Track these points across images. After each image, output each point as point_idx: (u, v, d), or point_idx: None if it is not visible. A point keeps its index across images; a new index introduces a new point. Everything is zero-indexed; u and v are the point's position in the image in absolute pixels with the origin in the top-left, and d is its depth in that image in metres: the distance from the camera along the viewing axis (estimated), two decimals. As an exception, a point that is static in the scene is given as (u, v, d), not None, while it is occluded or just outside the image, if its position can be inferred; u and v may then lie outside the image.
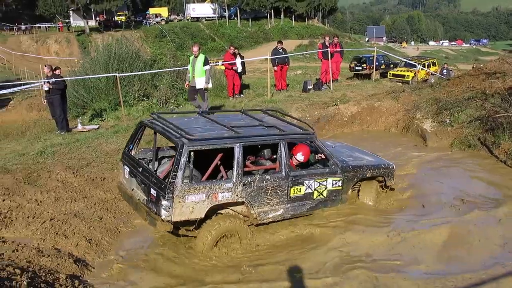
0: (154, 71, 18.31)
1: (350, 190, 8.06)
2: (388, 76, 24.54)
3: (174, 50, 23.07)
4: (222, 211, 6.97)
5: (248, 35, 69.18)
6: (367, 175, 8.12)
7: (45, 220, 7.31)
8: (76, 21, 63.53)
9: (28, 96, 24.82)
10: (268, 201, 7.05)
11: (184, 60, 21.22)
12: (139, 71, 17.39)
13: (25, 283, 5.28)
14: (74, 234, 7.05)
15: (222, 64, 18.97)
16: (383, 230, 7.32)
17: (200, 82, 12.89)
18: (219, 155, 6.64)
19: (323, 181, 7.56)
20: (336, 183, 7.71)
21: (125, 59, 18.02)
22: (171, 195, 6.18)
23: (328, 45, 19.12)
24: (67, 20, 64.10)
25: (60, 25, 61.94)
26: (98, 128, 13.89)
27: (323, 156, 7.85)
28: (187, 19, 73.27)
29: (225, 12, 72.18)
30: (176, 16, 77.48)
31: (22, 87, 22.64)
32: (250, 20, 73.00)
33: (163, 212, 6.21)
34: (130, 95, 16.90)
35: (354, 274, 6.12)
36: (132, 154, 7.39)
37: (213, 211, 6.73)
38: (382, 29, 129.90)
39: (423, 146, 12.12)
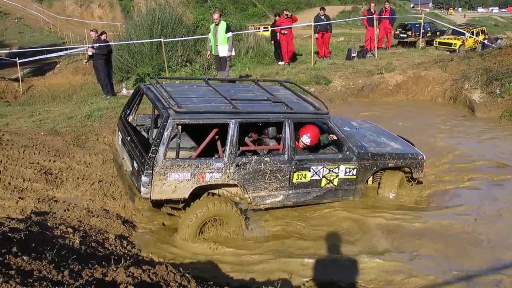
0: (197, 37, 18.29)
1: (369, 180, 7.46)
2: (434, 44, 23.78)
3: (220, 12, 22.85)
4: (216, 192, 6.40)
5: (289, 1, 68.05)
6: (389, 164, 7.29)
7: (94, 182, 7.50)
8: (119, -15, 63.74)
9: (73, 60, 25.28)
10: (266, 186, 6.38)
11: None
12: (182, 37, 17.44)
13: (77, 241, 5.47)
14: (121, 196, 7.23)
15: (265, 30, 18.81)
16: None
17: (223, 50, 12.54)
18: (214, 131, 6.08)
19: (334, 168, 6.78)
20: (350, 172, 6.91)
21: (168, 24, 18.10)
22: (150, 171, 5.68)
23: (373, 12, 18.67)
24: (110, -16, 64.41)
25: (103, -11, 62.30)
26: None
27: (335, 138, 7.01)
28: (229, -17, 72.50)
29: (267, -24, 71.03)
30: (217, -19, 76.70)
31: (68, 51, 23.11)
32: (292, -15, 71.69)
33: (142, 188, 5.72)
34: (173, 60, 17.00)
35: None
36: (130, 119, 7.10)
37: (204, 192, 6.28)
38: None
39: (472, 117, 11.81)
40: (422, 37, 23.25)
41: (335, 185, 6.91)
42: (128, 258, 5.19)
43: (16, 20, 44.35)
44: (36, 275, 3.75)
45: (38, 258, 4.19)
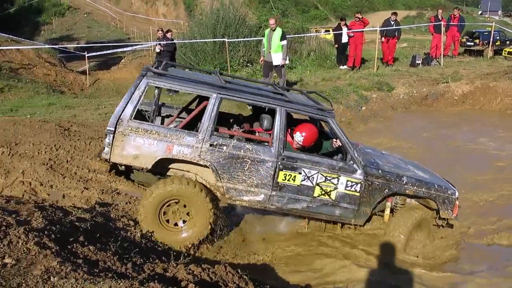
0: (260, 38, 18.34)
1: (386, 216, 6.36)
2: (503, 54, 22.84)
3: (280, 16, 22.85)
4: (186, 171, 5.81)
5: (352, 4, 67.08)
6: (407, 191, 6.16)
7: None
8: (184, -16, 64.85)
9: (138, 56, 25.92)
10: (244, 178, 5.68)
11: (288, 28, 21.11)
12: (244, 37, 17.56)
13: (138, 234, 5.58)
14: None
15: (327, 33, 18.65)
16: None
17: (276, 58, 12.10)
18: (202, 104, 5.72)
19: (333, 178, 5.87)
20: (352, 186, 5.94)
21: (231, 24, 18.24)
22: (113, 129, 5.33)
23: (441, 19, 18.15)
24: (175, -17, 65.62)
25: (169, -13, 63.56)
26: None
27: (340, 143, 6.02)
28: (292, -14, 72.39)
29: (331, -21, 70.43)
30: (281, -18, 76.68)
31: (134, 47, 23.73)
32: (356, -12, 70.70)
33: (105, 148, 5.41)
34: (235, 60, 17.13)
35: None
36: None
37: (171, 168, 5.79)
38: (498, 2, 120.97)
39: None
40: (490, 46, 22.41)
41: (331, 199, 5.95)
42: (185, 255, 5.26)
43: (85, 15, 45.99)
44: (101, 265, 3.85)
45: (103, 249, 4.30)
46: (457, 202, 6.40)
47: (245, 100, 5.78)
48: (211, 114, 5.49)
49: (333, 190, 5.91)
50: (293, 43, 19.60)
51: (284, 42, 12.08)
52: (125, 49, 23.17)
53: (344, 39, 16.97)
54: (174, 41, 14.74)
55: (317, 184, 5.84)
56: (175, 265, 4.43)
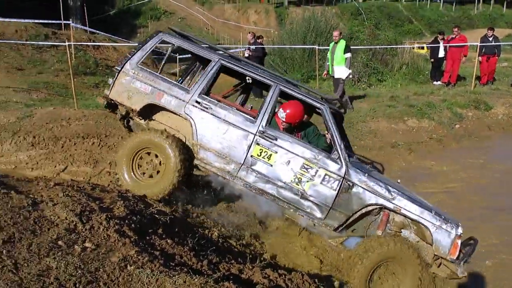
0: (351, 47, 18.00)
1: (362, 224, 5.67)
2: None
3: (372, 27, 22.34)
4: (165, 122, 5.96)
5: (449, 20, 64.67)
6: (393, 206, 5.40)
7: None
8: (277, -6, 65.46)
9: (227, 61, 26.32)
10: (220, 142, 5.60)
11: (380, 40, 20.60)
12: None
13: (216, 233, 5.53)
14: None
15: (420, 48, 17.94)
16: None
17: (338, 71, 11.63)
18: (214, 69, 5.73)
19: (310, 168, 5.45)
20: (329, 182, 5.43)
21: (322, 34, 18.05)
22: (119, 69, 5.82)
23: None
24: (269, -8, 66.39)
25: (261, -4, 64.42)
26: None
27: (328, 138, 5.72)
28: (386, -2, 71.06)
29: (428, -7, 68.42)
30: (375, -5, 75.45)
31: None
32: (454, 3, 68.16)
33: (110, 84, 5.89)
34: (323, 69, 16.89)
35: None
36: None
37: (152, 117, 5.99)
38: None
39: None
40: None
41: (304, 190, 5.49)
42: (261, 259, 5.14)
43: (179, 20, 47.49)
44: (177, 259, 3.79)
45: (180, 243, 4.25)
46: (457, 241, 5.30)
47: (243, 70, 5.76)
48: (207, 74, 5.71)
49: (307, 181, 5.47)
50: (384, 55, 19.08)
51: (348, 55, 11.56)
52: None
53: (441, 53, 16.27)
54: (263, 46, 14.73)
55: (292, 170, 5.49)
56: (251, 267, 4.31)
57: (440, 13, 66.28)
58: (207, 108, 5.63)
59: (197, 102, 5.63)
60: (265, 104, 5.63)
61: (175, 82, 5.91)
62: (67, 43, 11.04)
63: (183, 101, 5.67)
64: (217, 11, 54.79)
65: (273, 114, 5.77)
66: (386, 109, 11.79)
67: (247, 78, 6.24)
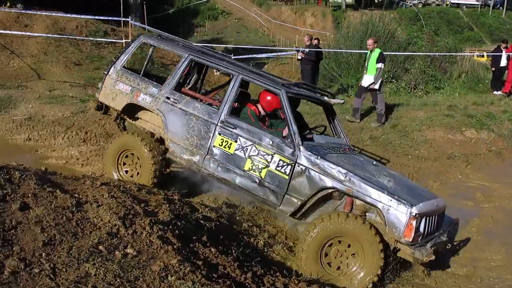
0: (409, 53, 17.53)
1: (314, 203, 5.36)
2: None
3: (432, 33, 21.66)
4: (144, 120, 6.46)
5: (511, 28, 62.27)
6: (345, 189, 5.09)
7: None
8: (335, -3, 64.88)
9: (281, 62, 26.15)
10: (187, 135, 5.83)
11: (440, 47, 19.94)
12: (392, 52, 16.82)
13: (261, 242, 5.38)
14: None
15: (480, 56, 17.21)
16: None
17: (367, 80, 10.80)
18: (184, 65, 6.19)
19: (266, 154, 5.42)
20: (282, 167, 5.35)
21: (380, 38, 17.58)
22: (106, 74, 6.40)
23: None
24: (326, -5, 65.88)
25: (319, -1, 63.98)
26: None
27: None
28: (446, 4, 69.06)
29: (490, 0, 65.96)
30: (435, 0, 73.66)
31: (278, 53, 23.97)
32: (518, 11, 65.43)
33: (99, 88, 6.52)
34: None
35: None
36: None
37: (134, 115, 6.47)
38: None
39: None
40: None
41: (261, 177, 5.45)
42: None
43: (236, 20, 47.74)
44: (220, 270, 3.64)
45: (224, 253, 4.10)
46: (412, 222, 4.82)
47: (209, 63, 6.24)
48: (177, 71, 6.14)
49: (264, 168, 5.46)
50: (443, 62, 18.42)
51: (380, 65, 10.68)
52: (269, 54, 23.43)
53: (503, 62, 15.50)
54: (320, 49, 14.42)
55: (249, 157, 5.54)
56: (296, 281, 4.13)
57: (502, 21, 63.75)
58: (175, 103, 5.94)
59: (167, 98, 5.99)
60: (226, 93, 5.85)
61: (151, 81, 6.26)
62: (124, 40, 11.15)
63: (156, 98, 6.05)
64: (274, 12, 54.75)
65: (241, 103, 6.12)
66: (444, 118, 11.29)
67: (214, 70, 6.91)
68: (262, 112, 6.09)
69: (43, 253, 2.99)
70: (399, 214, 4.85)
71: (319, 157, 5.27)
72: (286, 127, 5.61)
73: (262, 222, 6.10)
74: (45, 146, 8.59)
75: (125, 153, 6.19)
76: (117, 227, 3.59)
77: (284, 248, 5.63)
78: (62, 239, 3.21)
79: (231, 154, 5.62)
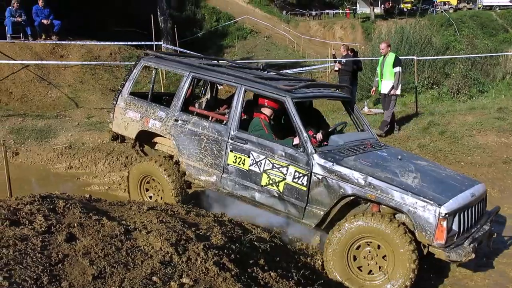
0: (450, 56, 16.97)
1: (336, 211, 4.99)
2: None
3: (471, 36, 21.03)
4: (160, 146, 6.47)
5: (552, 28, 60.48)
6: (367, 194, 4.72)
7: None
8: (362, 8, 64.46)
9: (314, 76, 25.87)
10: (201, 156, 5.67)
11: (480, 49, 19.31)
12: (430, 57, 16.35)
13: (319, 262, 5.02)
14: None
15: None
16: None
17: (386, 86, 10.29)
18: (187, 83, 6.02)
19: (281, 166, 5.14)
20: (299, 178, 5.04)
21: (416, 44, 17.13)
22: (115, 103, 6.35)
23: None
24: (354, 7, 65.60)
25: (347, 11, 63.71)
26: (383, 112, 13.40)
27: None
28: (478, 8, 67.76)
29: (524, 0, 64.39)
30: (466, 4, 72.34)
31: (310, 67, 23.76)
32: (554, 10, 63.61)
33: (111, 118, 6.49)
34: (419, 81, 15.97)
35: None
36: None
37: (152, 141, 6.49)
38: None
39: None
40: None
41: (280, 191, 5.18)
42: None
43: (265, 39, 47.77)
44: (284, 298, 3.31)
45: (284, 276, 3.77)
46: (443, 223, 4.41)
47: (210, 78, 6.01)
48: (181, 90, 5.95)
49: (281, 181, 5.17)
50: (485, 65, 17.78)
51: (397, 69, 10.18)
52: (301, 69, 23.25)
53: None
54: (358, 58, 14.06)
55: (264, 171, 5.27)
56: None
57: (538, 21, 62.05)
58: (184, 124, 5.80)
59: (175, 120, 5.87)
60: (232, 108, 5.60)
61: (158, 105, 6.12)
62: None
63: (164, 121, 5.94)
64: (303, 28, 54.74)
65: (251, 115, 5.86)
66: (495, 121, 10.72)
67: (217, 84, 6.82)
68: (271, 116, 5.82)
69: (94, 288, 2.73)
70: (427, 215, 4.46)
71: (335, 163, 4.94)
72: (297, 136, 5.27)
73: (317, 241, 5.74)
74: (87, 173, 8.54)
75: (147, 179, 6.19)
76: (169, 254, 3.31)
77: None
78: (113, 271, 2.94)
79: (246, 170, 5.40)
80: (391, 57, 10.43)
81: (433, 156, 9.24)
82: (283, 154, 5.19)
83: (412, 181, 4.82)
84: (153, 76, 6.64)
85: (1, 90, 12.23)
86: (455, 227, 4.58)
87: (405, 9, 64.42)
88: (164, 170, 5.86)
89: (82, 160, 8.96)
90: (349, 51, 13.51)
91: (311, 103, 6.50)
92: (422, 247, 4.63)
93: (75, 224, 3.48)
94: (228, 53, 42.64)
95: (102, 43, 15.22)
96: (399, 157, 5.45)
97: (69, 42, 14.83)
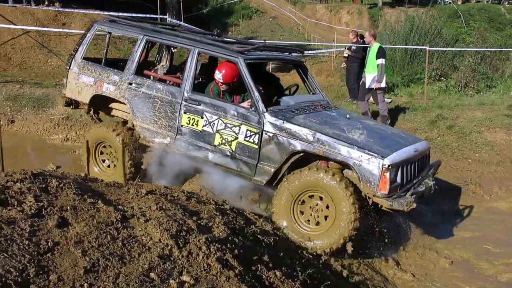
0: (460, 49, 16.62)
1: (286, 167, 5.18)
2: None
3: (482, 30, 20.60)
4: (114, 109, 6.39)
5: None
6: (316, 150, 4.93)
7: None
8: (370, -6, 63.64)
9: (319, 61, 25.46)
10: (155, 119, 5.73)
11: (490, 43, 18.94)
12: (440, 48, 15.97)
13: (323, 258, 4.78)
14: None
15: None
16: None
17: (369, 79, 9.82)
18: (141, 46, 5.99)
19: (234, 126, 5.31)
20: (250, 137, 5.24)
21: (426, 35, 16.72)
22: (68, 68, 6.24)
23: None
24: (362, -8, 64.78)
25: (354, -4, 62.90)
26: (390, 102, 13.08)
27: None
28: (487, 1, 67.03)
29: (534, -4, 63.62)
30: (475, -3, 71.50)
31: (316, 51, 23.35)
32: None
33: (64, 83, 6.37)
34: (431, 71, 15.63)
35: None
36: None
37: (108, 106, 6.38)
38: None
39: None
40: None
41: (232, 150, 5.35)
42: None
43: (270, 19, 47.09)
44: (290, 300, 3.06)
45: (290, 276, 3.53)
46: (386, 174, 4.67)
47: (165, 41, 6.14)
48: (135, 54, 5.94)
49: (233, 140, 5.36)
50: (494, 59, 17.45)
51: (381, 61, 9.66)
52: (307, 52, 22.85)
53: None
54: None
55: (217, 131, 5.43)
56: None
57: (547, 16, 61.36)
58: (138, 87, 5.79)
59: (129, 83, 5.86)
60: (186, 69, 5.66)
61: (112, 69, 6.08)
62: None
63: (118, 85, 5.91)
64: (309, 11, 53.94)
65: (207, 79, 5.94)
66: (504, 119, 10.43)
67: (171, 48, 6.90)
68: (222, 87, 5.73)
69: (85, 284, 2.45)
70: (371, 167, 4.72)
71: (285, 121, 5.14)
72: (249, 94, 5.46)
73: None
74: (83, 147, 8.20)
75: (102, 145, 6.25)
76: (169, 247, 3.04)
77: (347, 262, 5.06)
78: (107, 264, 2.67)
79: (200, 131, 5.54)
80: (374, 47, 9.96)
81: (440, 150, 9.00)
82: (235, 114, 5.36)
83: (359, 137, 5.07)
84: (107, 40, 6.45)
85: (0, 55, 11.87)
86: (398, 179, 4.86)
87: (413, -2, 63.57)
88: (118, 135, 5.94)
89: (79, 132, 8.68)
90: (358, 37, 13.12)
91: (265, 66, 6.76)
92: (368, 199, 4.86)
93: (68, 208, 3.20)
94: (233, 32, 42.04)
95: (106, 13, 14.79)
96: (348, 116, 5.75)
97: (72, 10, 14.45)
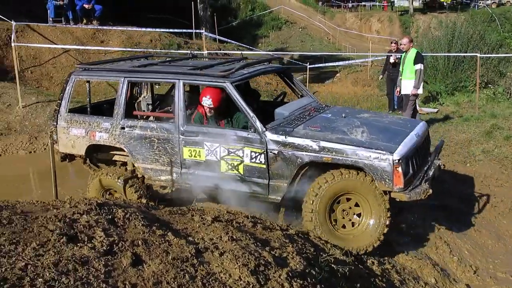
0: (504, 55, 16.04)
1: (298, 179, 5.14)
2: None
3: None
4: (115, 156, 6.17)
5: None
6: (324, 158, 4.89)
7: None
8: (401, 1, 62.91)
9: (354, 70, 25.12)
10: (156, 158, 5.63)
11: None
12: (484, 54, 15.43)
13: (397, 279, 4.46)
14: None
15: None
16: None
17: (406, 86, 9.41)
18: (124, 89, 5.78)
19: (236, 150, 5.21)
20: (256, 158, 5.15)
21: (470, 40, 16.21)
22: (55, 123, 6.09)
23: None
24: (392, 0, 64.17)
25: (384, 4, 62.31)
26: (437, 112, 12.65)
27: None
28: (523, 4, 65.53)
29: None
30: (510, 0, 70.11)
31: (349, 61, 23.04)
32: None
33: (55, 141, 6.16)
34: (471, 80, 15.13)
35: None
36: None
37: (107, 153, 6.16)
38: None
39: None
40: None
41: (241, 174, 5.25)
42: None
43: (300, 30, 47.03)
44: None
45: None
46: (398, 169, 4.67)
47: (149, 79, 6.16)
48: (120, 97, 5.76)
49: (239, 164, 5.25)
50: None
51: (419, 66, 9.25)
52: (342, 63, 22.59)
53: None
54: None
55: (222, 158, 5.30)
56: None
57: None
58: (132, 130, 5.68)
59: (122, 128, 5.72)
60: (175, 103, 5.54)
61: (100, 116, 5.98)
62: (204, 51, 10.59)
63: (111, 132, 5.78)
64: (339, 20, 53.72)
65: (195, 107, 5.77)
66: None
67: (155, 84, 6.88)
68: (210, 112, 5.63)
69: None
70: (383, 165, 4.71)
71: (287, 136, 5.08)
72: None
73: (395, 260, 5.20)
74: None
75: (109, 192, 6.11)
76: (251, 286, 2.78)
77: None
78: (191, 310, 2.43)
79: (204, 161, 5.42)
80: (412, 53, 9.51)
81: (499, 163, 8.50)
82: (235, 138, 5.26)
83: (361, 136, 5.07)
84: (88, 89, 6.31)
85: (42, 74, 11.97)
86: (409, 169, 4.88)
87: (445, 3, 62.64)
88: (123, 180, 5.84)
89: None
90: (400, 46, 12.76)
91: (248, 83, 6.60)
92: (384, 195, 4.85)
93: (139, 242, 2.98)
94: (263, 43, 42.09)
95: (142, 29, 14.81)
96: (343, 115, 5.69)
97: (110, 28, 14.47)
